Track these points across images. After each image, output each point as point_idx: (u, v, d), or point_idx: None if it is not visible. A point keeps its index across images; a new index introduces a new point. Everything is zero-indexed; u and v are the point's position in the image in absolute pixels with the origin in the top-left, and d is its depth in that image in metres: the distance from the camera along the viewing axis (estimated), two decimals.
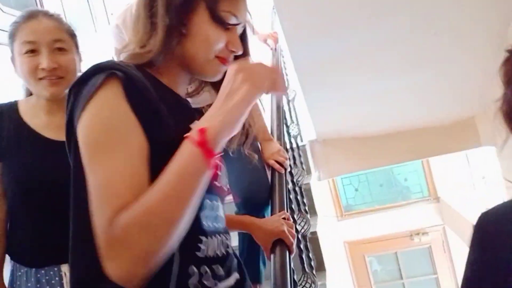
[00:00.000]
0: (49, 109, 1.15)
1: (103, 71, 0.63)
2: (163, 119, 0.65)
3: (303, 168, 3.07)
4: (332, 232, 5.95)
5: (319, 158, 3.81)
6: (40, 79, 1.09)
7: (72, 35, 1.17)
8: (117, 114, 0.60)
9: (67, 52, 1.13)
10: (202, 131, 0.59)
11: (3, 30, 1.34)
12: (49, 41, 1.09)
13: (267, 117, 2.09)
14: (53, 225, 1.08)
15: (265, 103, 2.18)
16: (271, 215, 1.39)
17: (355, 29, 2.23)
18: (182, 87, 0.80)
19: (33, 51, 1.08)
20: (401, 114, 3.76)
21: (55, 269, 1.12)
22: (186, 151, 0.59)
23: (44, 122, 1.14)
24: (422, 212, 6.30)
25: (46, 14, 1.12)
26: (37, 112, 1.15)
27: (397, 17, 2.14)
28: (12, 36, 1.11)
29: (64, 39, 1.13)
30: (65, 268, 1.11)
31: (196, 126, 0.61)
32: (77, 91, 0.64)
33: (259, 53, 3.10)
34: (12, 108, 1.15)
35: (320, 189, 5.51)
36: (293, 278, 1.23)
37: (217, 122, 0.60)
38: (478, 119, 4.10)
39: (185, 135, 0.60)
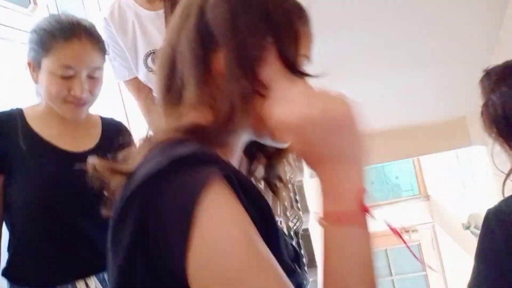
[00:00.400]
0: (60, 119, 1.06)
1: (196, 165, 0.43)
2: (278, 232, 0.51)
3: (296, 166, 3.08)
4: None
5: None
6: (66, 101, 1.02)
7: (106, 53, 1.10)
8: (246, 227, 0.43)
9: (100, 78, 1.07)
10: (363, 209, 0.44)
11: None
12: (88, 70, 1.02)
13: None
14: (68, 238, 1.03)
15: None
16: None
17: (349, 30, 2.25)
18: (236, 159, 0.58)
19: (68, 76, 1.00)
20: (393, 114, 3.80)
21: (69, 286, 1.01)
22: (352, 238, 0.44)
23: (56, 133, 1.06)
24: (412, 209, 6.38)
25: (90, 35, 1.03)
26: (47, 121, 1.07)
27: (391, 19, 2.17)
28: (45, 48, 1.00)
29: (101, 67, 1.06)
30: (80, 284, 1.03)
31: (343, 201, 0.45)
32: (151, 190, 0.43)
33: None
34: (19, 117, 1.05)
35: (313, 186, 5.53)
36: None
37: (356, 180, 0.45)
38: (469, 119, 4.15)
39: (328, 220, 0.45)
